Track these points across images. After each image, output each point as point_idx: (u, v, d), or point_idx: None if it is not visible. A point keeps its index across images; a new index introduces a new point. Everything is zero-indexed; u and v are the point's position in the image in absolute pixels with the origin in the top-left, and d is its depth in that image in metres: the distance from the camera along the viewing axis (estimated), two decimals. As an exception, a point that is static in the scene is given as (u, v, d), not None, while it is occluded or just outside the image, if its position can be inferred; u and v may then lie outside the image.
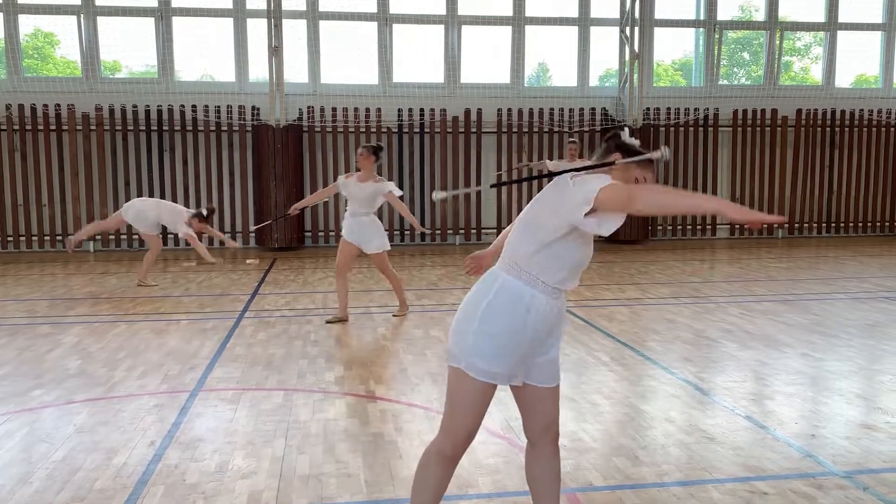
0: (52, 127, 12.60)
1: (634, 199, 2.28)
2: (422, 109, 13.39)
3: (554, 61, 14.97)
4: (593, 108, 13.98)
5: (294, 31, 13.30)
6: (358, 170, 7.08)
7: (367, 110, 13.20)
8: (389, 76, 13.59)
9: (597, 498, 3.36)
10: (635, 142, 2.64)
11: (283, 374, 5.35)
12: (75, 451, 3.88)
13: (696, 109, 14.24)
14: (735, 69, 16.40)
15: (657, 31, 14.60)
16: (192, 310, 7.74)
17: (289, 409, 4.57)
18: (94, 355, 5.86)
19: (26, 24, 13.35)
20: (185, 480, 3.53)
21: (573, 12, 14.19)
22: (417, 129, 13.48)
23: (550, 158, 13.71)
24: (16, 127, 12.47)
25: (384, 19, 13.51)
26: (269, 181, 12.57)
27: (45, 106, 12.50)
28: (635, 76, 13.72)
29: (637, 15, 13.73)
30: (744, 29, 15.54)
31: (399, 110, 13.33)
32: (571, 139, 11.00)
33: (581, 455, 3.83)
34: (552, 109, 13.89)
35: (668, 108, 14.16)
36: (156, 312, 7.62)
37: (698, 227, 14.57)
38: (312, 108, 13.07)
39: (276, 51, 12.58)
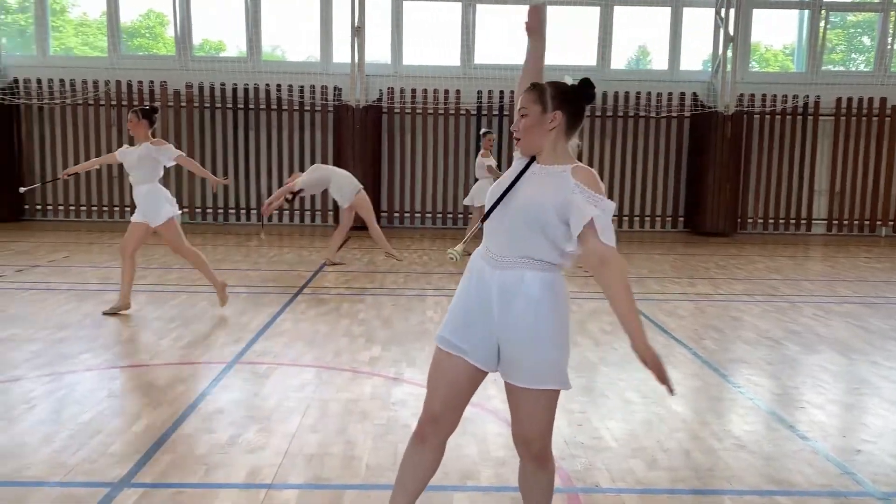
0: (146, 103, 13.14)
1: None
2: (502, 91, 13.20)
3: (643, 44, 14.45)
4: (683, 93, 13.40)
5: (379, 12, 13.35)
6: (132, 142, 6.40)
7: (447, 92, 13.12)
8: (471, 58, 13.45)
9: (599, 500, 3.19)
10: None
11: (320, 350, 5.38)
12: (102, 415, 4.02)
13: (794, 97, 13.41)
14: (854, 55, 15.33)
15: (763, 13, 13.84)
16: (254, 283, 7.93)
17: (315, 386, 4.59)
18: (148, 323, 6.08)
19: (140, 4, 13.95)
20: (194, 451, 3.59)
21: (666, -8, 13.60)
22: (497, 112, 13.30)
23: (622, 144, 13.30)
24: (113, 103, 13.10)
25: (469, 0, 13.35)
26: (347, 161, 12.70)
27: (140, 83, 13.07)
28: (728, 60, 13.03)
29: (734, -5, 13.01)
30: (853, 10, 14.49)
31: (479, 92, 13.18)
32: (487, 131, 10.36)
33: (596, 454, 3.66)
34: (639, 93, 13.40)
35: (765, 95, 13.40)
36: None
37: (791, 221, 13.77)
38: (392, 89, 13.10)
39: (358, 31, 12.66)
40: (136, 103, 13.12)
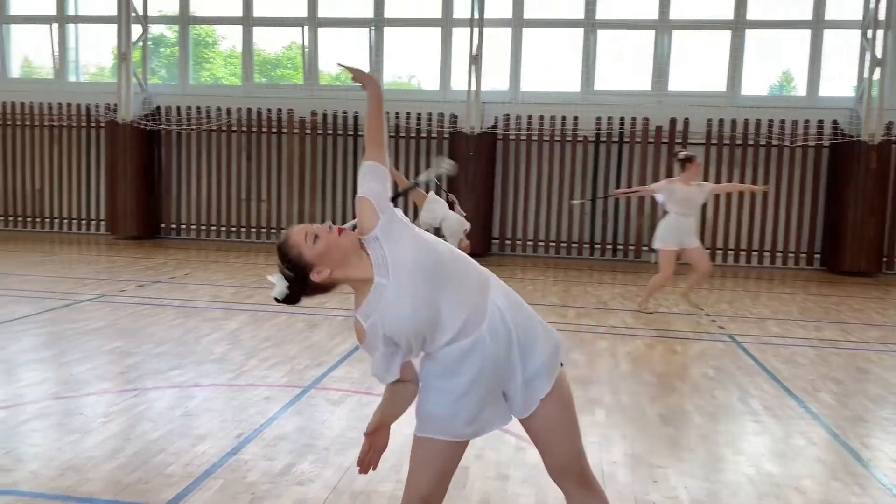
0: (274, 130, 13.74)
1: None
2: (622, 118, 12.78)
3: (786, 69, 13.60)
4: (821, 121, 12.44)
5: (499, 40, 13.33)
6: None
7: (564, 118, 12.85)
8: (591, 83, 13.14)
9: (657, 572, 2.85)
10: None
11: (398, 381, 5.27)
12: (170, 434, 4.08)
13: (954, 124, 12.13)
14: None
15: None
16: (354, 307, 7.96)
17: (383, 418, 4.47)
18: (242, 343, 6.21)
19: (284, 37, 14.72)
20: (246, 478, 3.56)
21: (806, 14, 12.74)
22: (616, 139, 12.89)
23: (752, 174, 12.49)
24: (244, 129, 13.78)
25: (590, 25, 13.08)
26: (460, 188, 12.69)
27: (269, 110, 13.68)
28: (875, 85, 11.99)
29: (882, 16, 11.97)
30: None
31: (598, 119, 12.82)
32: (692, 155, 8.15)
33: (668, 516, 3.31)
34: (772, 121, 12.57)
35: (918, 122, 12.21)
36: (320, 307, 7.90)
37: (949, 261, 12.39)
38: (509, 116, 12.99)
39: (475, 59, 12.68)
40: (265, 130, 13.76)
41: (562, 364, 2.38)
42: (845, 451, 4.20)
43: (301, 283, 2.23)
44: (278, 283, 2.25)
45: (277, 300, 2.27)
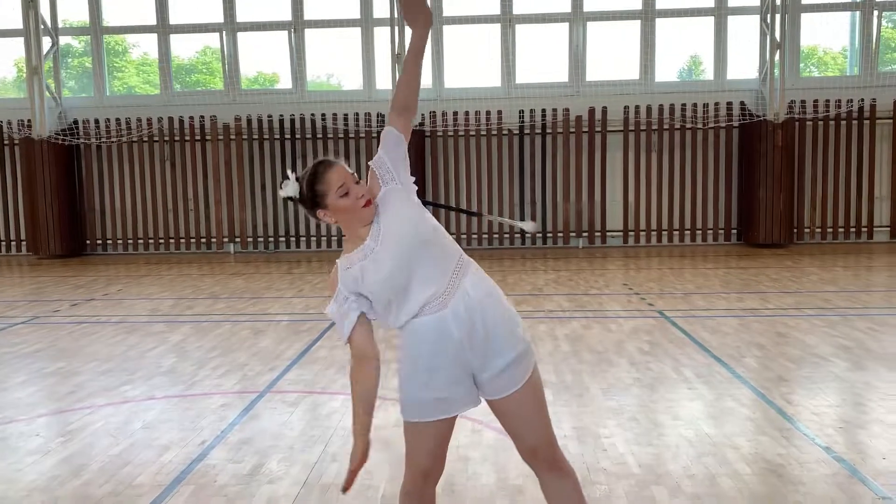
0: (198, 137, 13.58)
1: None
2: (543, 110, 13.17)
3: (695, 54, 14.25)
4: (730, 103, 13.12)
5: (419, 37, 13.50)
6: None
7: (488, 113, 13.15)
8: (512, 77, 13.48)
9: (613, 530, 3.11)
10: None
11: (351, 378, 5.41)
12: (133, 447, 4.13)
13: (849, 101, 12.98)
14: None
15: (818, 17, 13.52)
16: (296, 310, 8.05)
17: (342, 414, 4.62)
18: (189, 354, 6.22)
19: (197, 42, 14.49)
20: (216, 482, 3.66)
21: (710, 2, 13.38)
22: (539, 130, 13.27)
23: (669, 157, 13.04)
24: (166, 138, 13.56)
25: (508, 20, 13.41)
26: (391, 185, 12.85)
27: (191, 118, 13.50)
28: (776, 67, 12.71)
29: (779, 1, 12.70)
30: (909, 9, 13.97)
31: (521, 112, 13.17)
32: None
33: (618, 481, 3.57)
34: (684, 105, 13.18)
35: (816, 101, 13.01)
36: (263, 313, 7.99)
37: (851, 229, 13.26)
38: (435, 112, 13.21)
39: (398, 58, 12.83)
40: (187, 138, 13.57)
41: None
42: (771, 409, 4.57)
43: (307, 206, 2.40)
44: (291, 187, 2.38)
45: (284, 197, 2.41)
